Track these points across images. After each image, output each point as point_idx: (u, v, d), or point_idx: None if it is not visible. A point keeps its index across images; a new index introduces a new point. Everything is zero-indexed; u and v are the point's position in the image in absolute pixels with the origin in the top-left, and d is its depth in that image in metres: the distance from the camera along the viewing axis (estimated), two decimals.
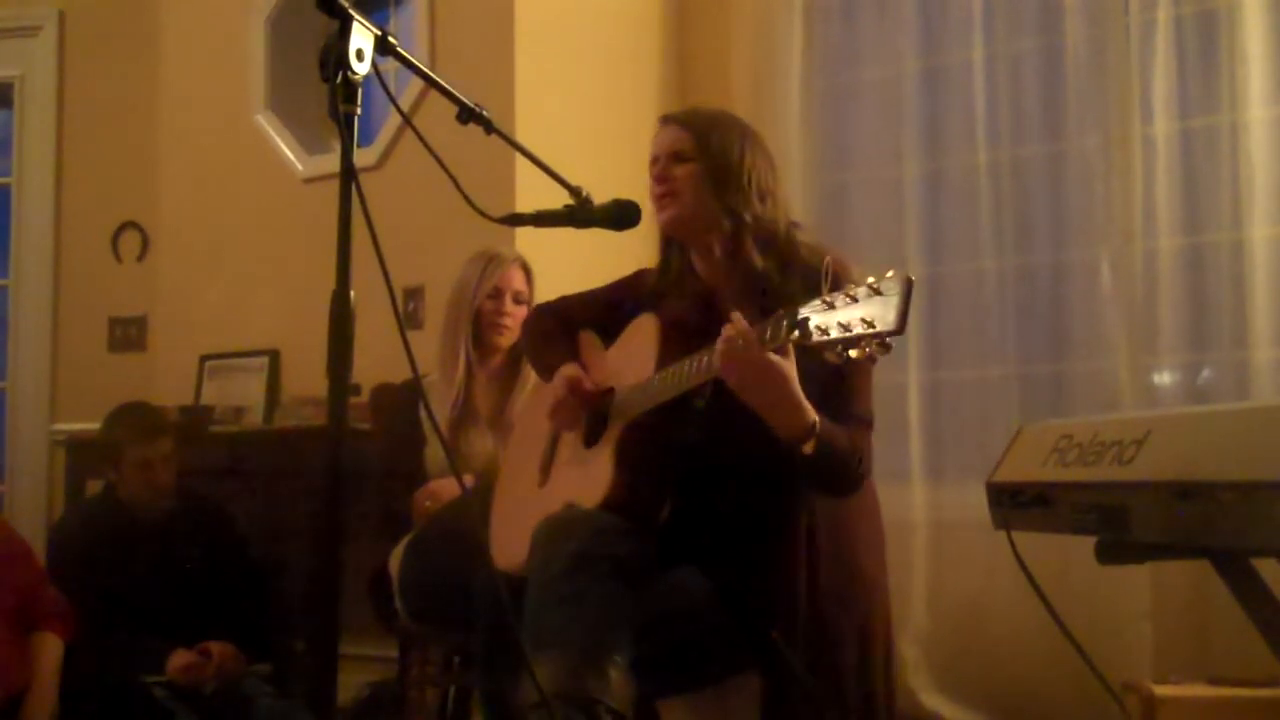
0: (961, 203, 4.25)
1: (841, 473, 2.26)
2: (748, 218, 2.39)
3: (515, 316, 3.40)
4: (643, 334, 2.48)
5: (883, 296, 1.80)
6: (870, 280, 1.83)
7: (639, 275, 2.67)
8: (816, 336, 1.86)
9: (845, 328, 1.82)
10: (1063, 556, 2.94)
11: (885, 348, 1.81)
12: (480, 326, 3.43)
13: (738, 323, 2.05)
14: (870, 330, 1.80)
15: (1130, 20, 3.93)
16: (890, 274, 1.82)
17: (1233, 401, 3.67)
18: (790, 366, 2.07)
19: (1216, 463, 1.67)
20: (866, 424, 2.33)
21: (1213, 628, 3.48)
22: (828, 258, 2.02)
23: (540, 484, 2.63)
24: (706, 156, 2.43)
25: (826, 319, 1.85)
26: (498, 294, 3.43)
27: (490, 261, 3.44)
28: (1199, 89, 3.88)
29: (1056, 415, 3.89)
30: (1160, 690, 3.06)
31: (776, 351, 2.05)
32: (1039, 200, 4.17)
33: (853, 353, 1.83)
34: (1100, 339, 3.93)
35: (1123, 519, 1.82)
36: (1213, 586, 1.99)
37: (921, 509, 4.14)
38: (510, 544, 2.46)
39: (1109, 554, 1.96)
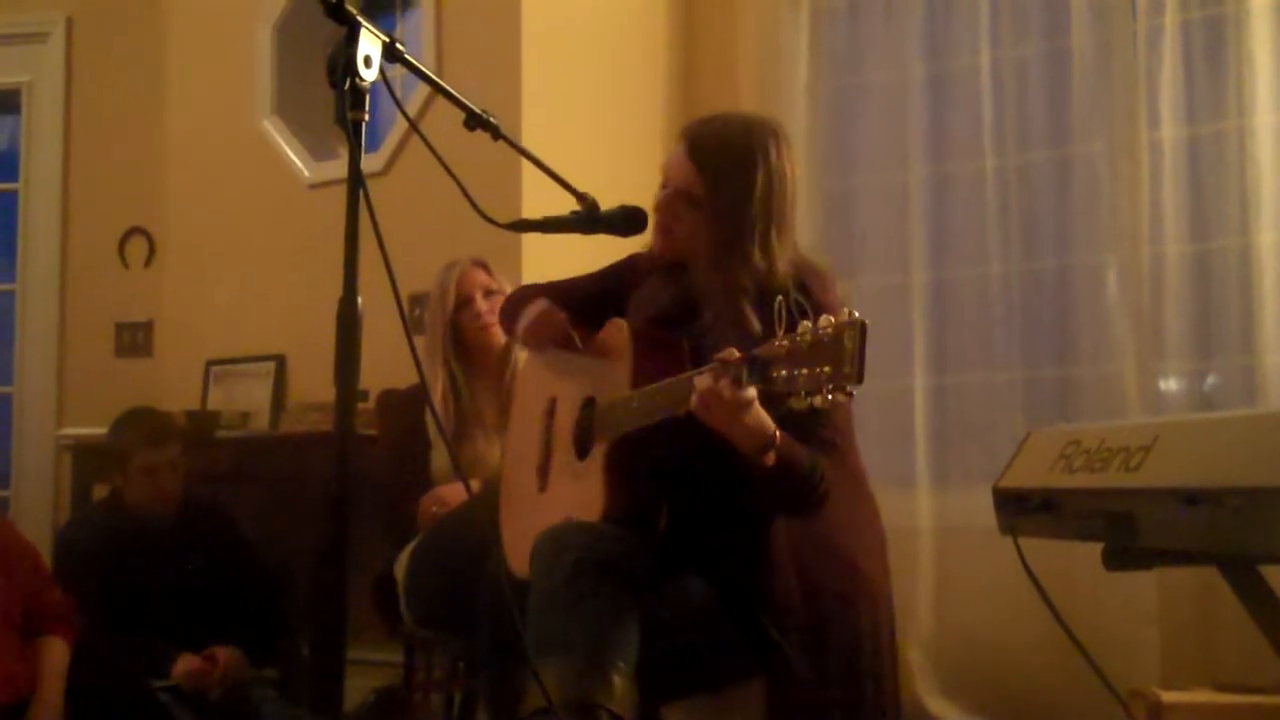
0: (967, 208, 4.25)
1: (799, 489, 2.23)
2: (747, 283, 2.31)
3: (494, 310, 3.39)
4: (617, 346, 2.46)
5: (839, 344, 1.79)
6: (824, 325, 1.81)
7: (631, 260, 2.65)
8: (780, 386, 1.86)
9: (809, 377, 1.82)
10: (1069, 562, 2.93)
11: (847, 394, 1.80)
12: (467, 338, 3.43)
13: (711, 381, 2.02)
14: (830, 380, 1.79)
15: (1137, 26, 3.92)
16: (845, 317, 1.80)
17: (1240, 408, 3.66)
18: (752, 390, 2.03)
19: (1223, 469, 1.66)
20: (830, 447, 2.30)
21: (1219, 634, 3.47)
22: (780, 298, 2.01)
23: (540, 489, 2.63)
24: (717, 204, 2.34)
25: (789, 367, 1.85)
26: (467, 301, 3.43)
27: (447, 276, 3.45)
28: (1206, 94, 3.87)
29: (1063, 421, 3.89)
30: (1167, 696, 3.05)
31: None
32: (1045, 206, 4.16)
33: (816, 400, 1.83)
34: (1107, 345, 3.93)
35: (1130, 525, 1.82)
36: (1219, 593, 1.99)
37: (927, 514, 4.14)
38: (520, 549, 2.46)
39: (1116, 560, 1.96)
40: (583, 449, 2.49)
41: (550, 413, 2.64)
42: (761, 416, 2.08)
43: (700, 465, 2.30)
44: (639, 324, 2.46)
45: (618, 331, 2.47)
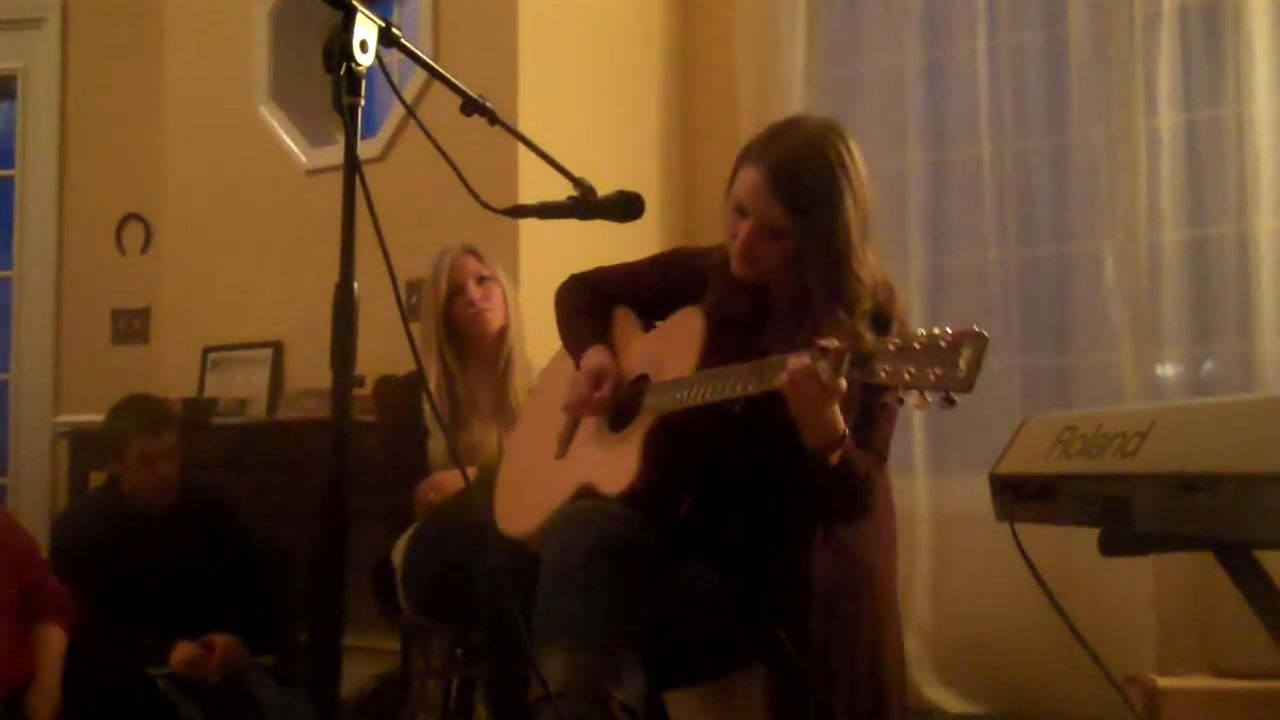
0: (965, 195, 4.25)
1: (856, 492, 2.24)
2: (865, 299, 2.24)
3: (487, 296, 3.43)
4: (687, 330, 2.41)
5: (955, 351, 1.81)
6: (944, 330, 1.84)
7: (689, 258, 2.58)
8: (882, 378, 1.88)
9: (914, 376, 1.84)
10: (1066, 548, 2.94)
11: (949, 402, 1.83)
12: (460, 325, 3.43)
13: (811, 363, 2.01)
14: (939, 384, 1.82)
15: (1134, 12, 3.92)
16: (966, 329, 1.83)
17: (1236, 393, 3.66)
18: (843, 381, 2.03)
19: (1220, 454, 1.66)
20: (880, 461, 2.31)
21: (1216, 620, 3.48)
22: (901, 302, 2.00)
23: (557, 455, 2.60)
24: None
25: (895, 364, 1.86)
26: (459, 289, 3.42)
27: (439, 264, 3.45)
28: (1204, 81, 3.87)
29: (1060, 407, 3.89)
30: (1163, 682, 3.06)
31: None
32: (1043, 193, 4.16)
33: (912, 400, 1.85)
34: (1104, 331, 3.93)
35: (1126, 511, 1.82)
36: (1216, 578, 1.99)
37: (925, 501, 4.14)
38: (517, 510, 2.44)
39: (1112, 546, 1.96)
40: (620, 422, 2.48)
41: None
42: (837, 414, 2.10)
43: (739, 461, 2.31)
44: (713, 321, 2.40)
45: (691, 320, 2.43)
